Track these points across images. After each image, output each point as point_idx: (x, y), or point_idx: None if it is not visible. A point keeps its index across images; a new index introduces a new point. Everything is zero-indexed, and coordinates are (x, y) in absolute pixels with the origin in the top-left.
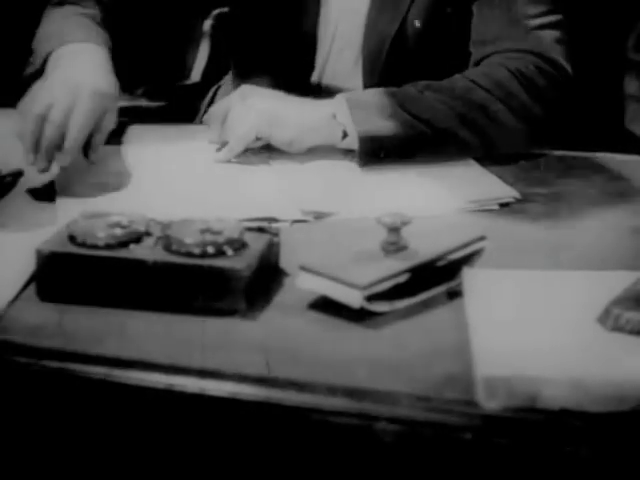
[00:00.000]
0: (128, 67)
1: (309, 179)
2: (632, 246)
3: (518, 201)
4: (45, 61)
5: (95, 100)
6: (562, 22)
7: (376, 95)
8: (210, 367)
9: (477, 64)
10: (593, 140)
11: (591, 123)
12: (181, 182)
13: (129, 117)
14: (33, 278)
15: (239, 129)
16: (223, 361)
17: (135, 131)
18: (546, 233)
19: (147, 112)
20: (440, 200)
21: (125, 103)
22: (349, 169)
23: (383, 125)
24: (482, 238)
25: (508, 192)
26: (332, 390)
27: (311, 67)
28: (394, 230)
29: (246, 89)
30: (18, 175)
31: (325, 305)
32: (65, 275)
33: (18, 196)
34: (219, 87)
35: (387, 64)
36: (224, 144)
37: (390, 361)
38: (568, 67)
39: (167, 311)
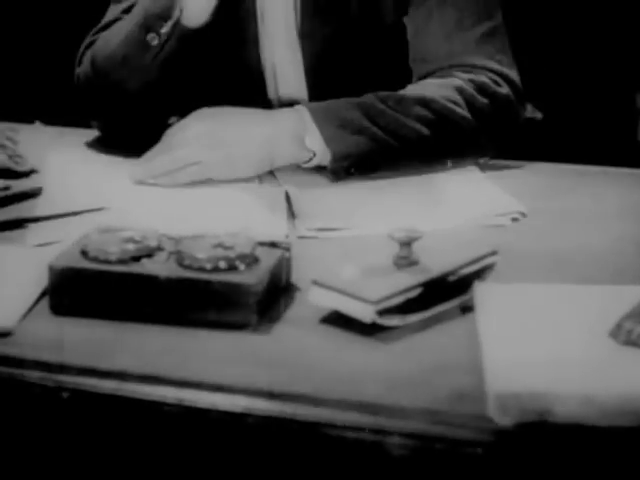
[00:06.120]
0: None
1: (312, 196)
2: None
3: (529, 215)
4: None
5: None
6: (498, 27)
7: (341, 108)
8: (221, 381)
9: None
10: (604, 154)
11: (602, 137)
12: (178, 199)
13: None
14: (45, 293)
15: (175, 151)
16: (235, 375)
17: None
18: (557, 247)
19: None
20: (448, 215)
21: None
22: (351, 185)
23: (354, 142)
24: (493, 253)
25: (514, 207)
26: (344, 404)
27: (263, 92)
28: (406, 245)
29: (202, 111)
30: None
31: (337, 320)
32: (78, 290)
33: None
34: None
35: (329, 74)
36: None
37: (402, 376)
38: (512, 74)
39: (179, 325)
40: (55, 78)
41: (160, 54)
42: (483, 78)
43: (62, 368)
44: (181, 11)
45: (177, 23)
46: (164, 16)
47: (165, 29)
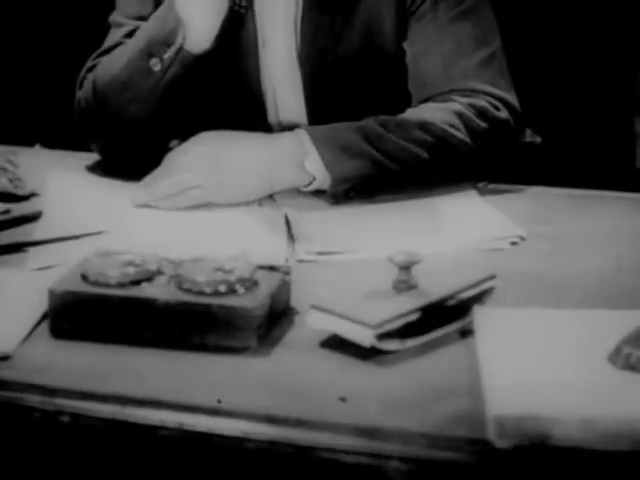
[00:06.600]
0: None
1: (312, 220)
2: None
3: (528, 239)
4: None
5: None
6: (497, 52)
7: (341, 131)
8: (221, 405)
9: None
10: (603, 178)
11: (601, 161)
12: (172, 224)
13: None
14: (45, 316)
15: (175, 175)
16: (234, 399)
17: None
18: (556, 271)
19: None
20: (447, 239)
21: None
22: (351, 209)
23: (354, 166)
24: (492, 277)
25: (513, 231)
26: (343, 428)
27: (264, 117)
28: (405, 269)
29: (203, 135)
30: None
31: (336, 343)
32: (78, 314)
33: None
34: None
35: (329, 99)
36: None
37: (401, 399)
38: (511, 99)
39: (179, 349)
40: (55, 102)
41: (162, 80)
42: (482, 102)
43: (62, 392)
44: (184, 37)
45: (180, 49)
46: (168, 42)
47: (168, 55)
